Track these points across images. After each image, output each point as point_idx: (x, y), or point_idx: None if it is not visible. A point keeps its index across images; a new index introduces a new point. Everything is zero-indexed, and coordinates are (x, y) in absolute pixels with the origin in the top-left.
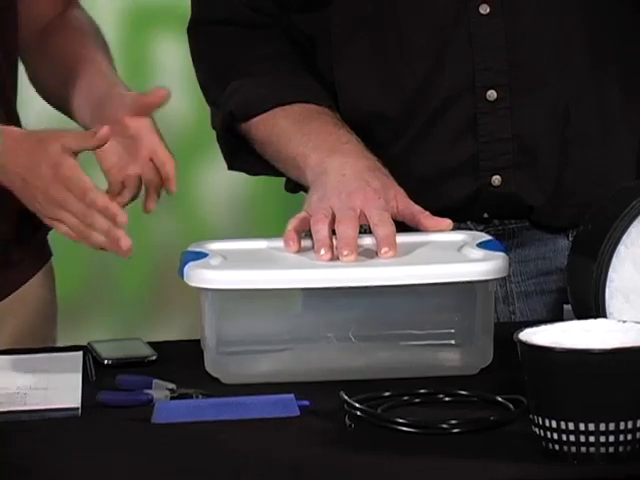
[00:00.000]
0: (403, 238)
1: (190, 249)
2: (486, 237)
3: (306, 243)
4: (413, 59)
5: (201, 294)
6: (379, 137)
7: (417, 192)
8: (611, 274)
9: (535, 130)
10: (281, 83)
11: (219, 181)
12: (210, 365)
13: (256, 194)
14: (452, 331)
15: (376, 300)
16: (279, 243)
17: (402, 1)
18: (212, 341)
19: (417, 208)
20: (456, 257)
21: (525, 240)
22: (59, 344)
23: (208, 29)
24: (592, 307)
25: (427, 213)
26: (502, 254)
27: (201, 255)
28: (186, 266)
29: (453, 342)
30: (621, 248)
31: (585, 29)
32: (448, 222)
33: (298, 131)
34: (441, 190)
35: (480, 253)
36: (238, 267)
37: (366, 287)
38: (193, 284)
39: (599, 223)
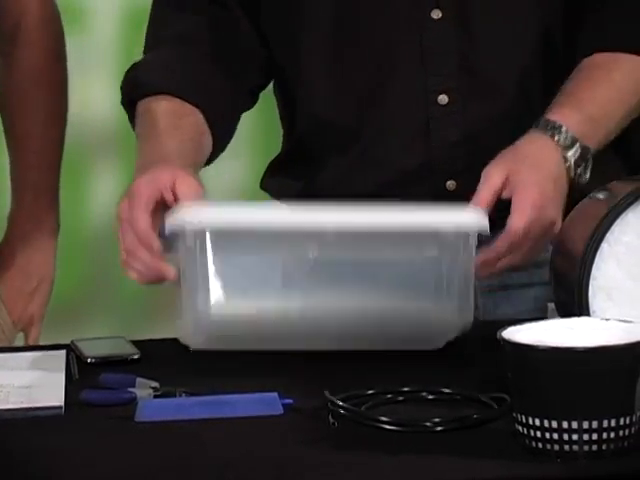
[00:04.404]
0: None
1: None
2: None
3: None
4: (366, 64)
5: (183, 240)
6: (335, 143)
7: (374, 197)
8: (594, 272)
9: (487, 134)
10: (162, 71)
11: (219, 180)
12: (191, 322)
13: (256, 194)
14: (431, 285)
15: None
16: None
17: (362, 4)
18: (203, 287)
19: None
20: (439, 210)
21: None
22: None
23: None
24: (575, 305)
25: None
26: (482, 210)
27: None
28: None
29: (433, 296)
30: (604, 246)
31: (537, 33)
32: None
33: (144, 127)
34: (397, 195)
35: (461, 208)
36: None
37: (348, 233)
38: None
39: (582, 221)
